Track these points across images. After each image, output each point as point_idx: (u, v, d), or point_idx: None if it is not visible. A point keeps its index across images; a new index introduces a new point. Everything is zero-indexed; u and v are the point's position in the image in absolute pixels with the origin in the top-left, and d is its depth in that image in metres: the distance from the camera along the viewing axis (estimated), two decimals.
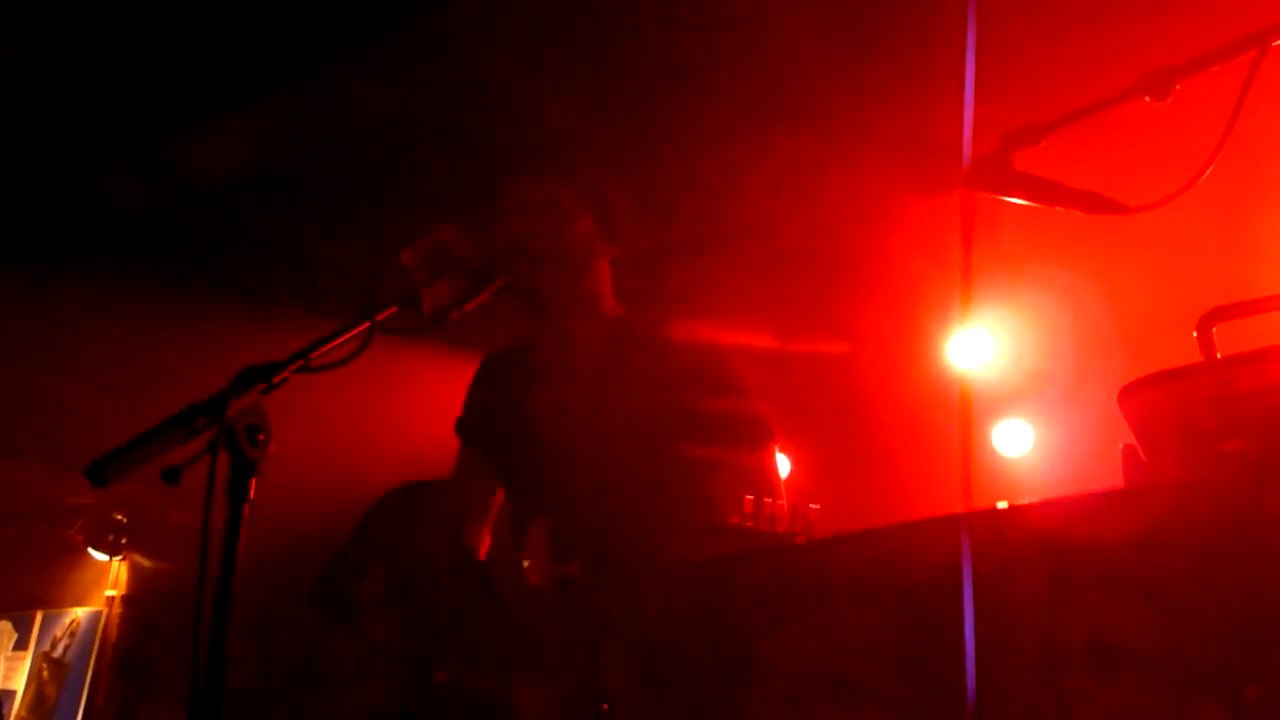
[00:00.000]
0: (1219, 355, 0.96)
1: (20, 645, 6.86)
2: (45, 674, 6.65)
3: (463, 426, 2.29)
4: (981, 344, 4.12)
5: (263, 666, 3.81)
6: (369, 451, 3.82)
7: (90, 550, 6.33)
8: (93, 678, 6.34)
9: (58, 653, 6.67)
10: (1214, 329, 0.97)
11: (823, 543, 1.29)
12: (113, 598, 6.61)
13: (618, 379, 1.99)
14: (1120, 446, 0.98)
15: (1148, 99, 1.21)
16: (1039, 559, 1.00)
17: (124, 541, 6.47)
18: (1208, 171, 1.14)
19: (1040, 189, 1.30)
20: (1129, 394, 0.97)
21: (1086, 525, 0.97)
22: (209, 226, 3.83)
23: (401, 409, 3.79)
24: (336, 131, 3.42)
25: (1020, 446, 4.67)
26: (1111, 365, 3.75)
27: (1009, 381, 4.13)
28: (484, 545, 2.44)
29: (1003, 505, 1.11)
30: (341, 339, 1.40)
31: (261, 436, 1.23)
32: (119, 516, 6.36)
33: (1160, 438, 0.95)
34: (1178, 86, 1.19)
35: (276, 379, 1.28)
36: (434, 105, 3.22)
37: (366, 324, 1.40)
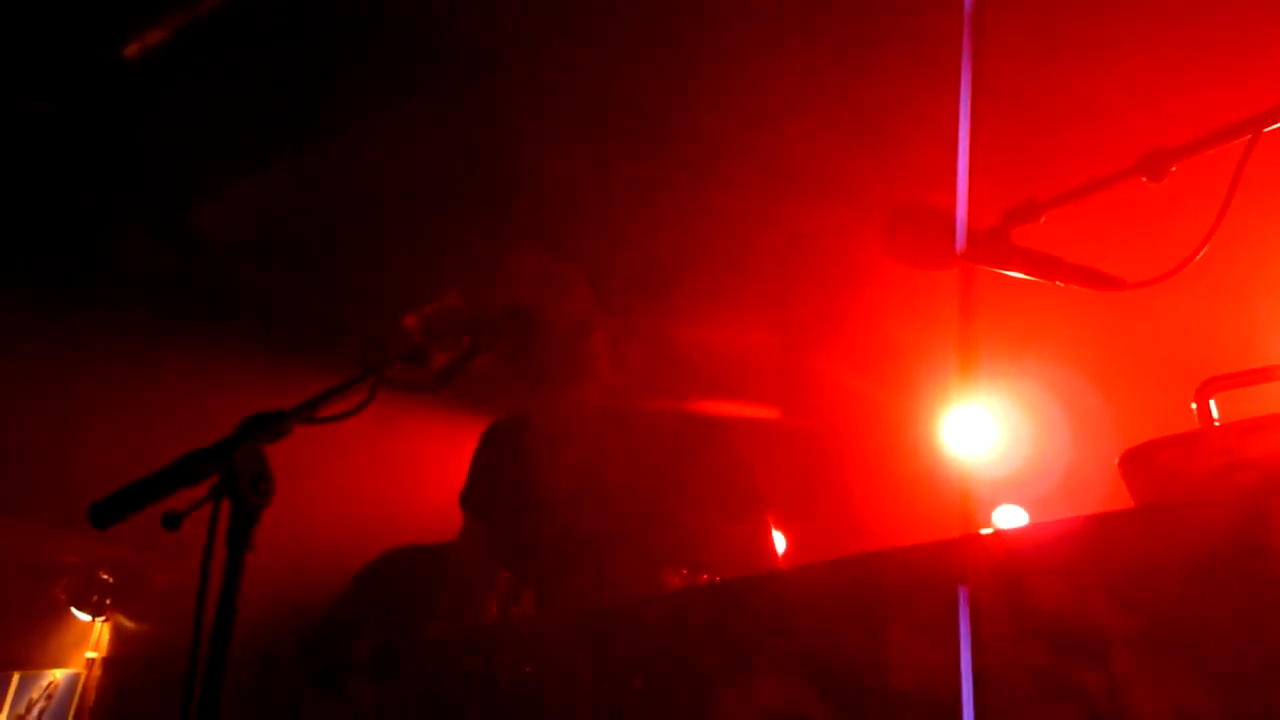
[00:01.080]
0: (1218, 424, 0.98)
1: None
2: None
3: (466, 498, 2.32)
4: (978, 426, 4.13)
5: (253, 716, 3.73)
6: (362, 513, 3.80)
7: (73, 610, 6.23)
8: None
9: (32, 717, 6.52)
10: (1211, 399, 0.98)
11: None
12: (93, 660, 6.49)
13: (612, 450, 2.02)
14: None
15: (1145, 180, 1.25)
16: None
17: (108, 602, 6.37)
18: (1203, 250, 1.17)
19: (1039, 264, 1.33)
20: (1131, 459, 0.98)
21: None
22: (214, 285, 3.86)
23: (396, 471, 3.79)
24: (343, 193, 3.48)
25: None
26: (1107, 454, 3.76)
27: (1006, 467, 4.13)
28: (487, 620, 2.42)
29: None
30: (346, 393, 1.41)
31: (264, 485, 1.23)
32: (105, 576, 6.28)
33: (1159, 500, 0.96)
34: (1173, 168, 1.22)
35: (281, 428, 1.28)
36: (441, 169, 3.29)
37: (371, 378, 1.41)
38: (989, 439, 4.18)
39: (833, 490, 4.51)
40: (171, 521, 1.17)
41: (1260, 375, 0.99)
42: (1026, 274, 1.34)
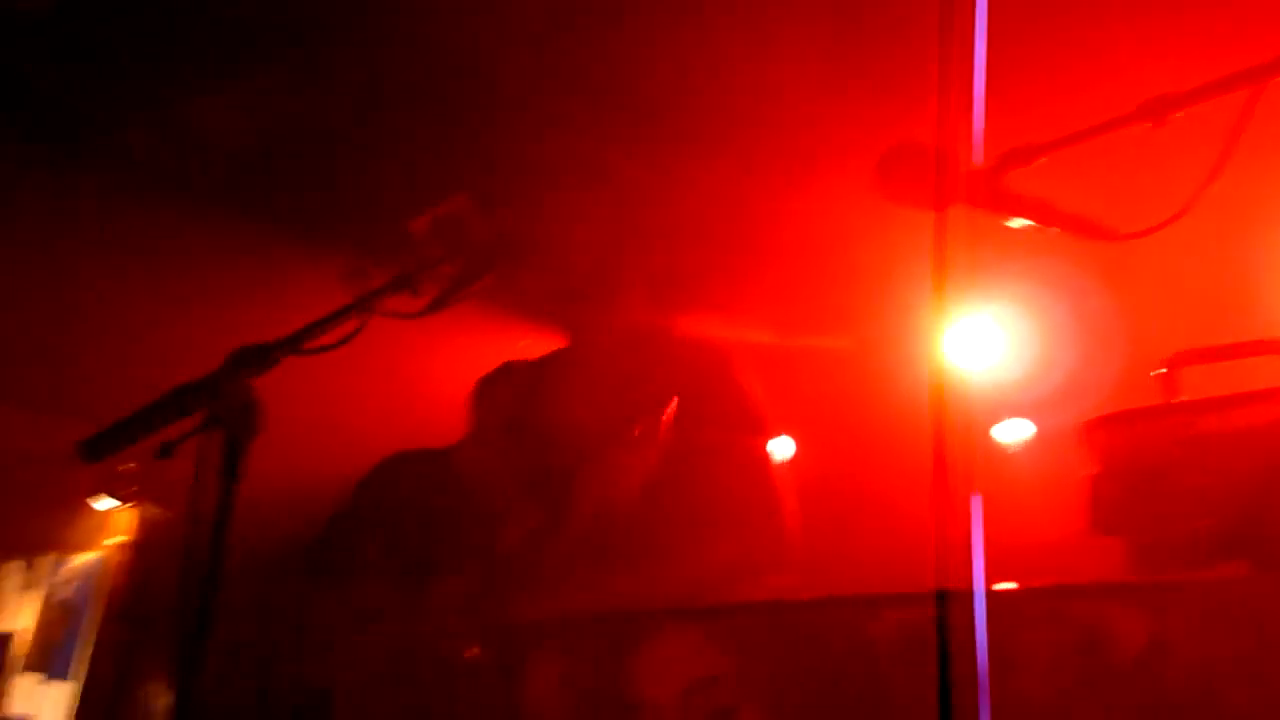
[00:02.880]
0: (1183, 398, 0.98)
1: (29, 586, 6.98)
2: (52, 615, 6.76)
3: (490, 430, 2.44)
4: (982, 339, 4.09)
5: (261, 624, 3.88)
6: (369, 418, 3.85)
7: (100, 498, 6.42)
8: (98, 622, 6.44)
9: (65, 595, 6.78)
10: (1180, 371, 0.98)
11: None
12: (120, 544, 6.71)
13: (629, 377, 2.11)
14: (1087, 477, 1.00)
15: (1147, 125, 1.21)
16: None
17: (134, 489, 6.55)
18: (1197, 202, 1.14)
19: (1033, 209, 1.31)
20: (1093, 430, 0.98)
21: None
22: (213, 183, 3.85)
23: (399, 375, 3.82)
24: (345, 95, 3.44)
25: (1021, 436, 4.67)
26: (1108, 359, 3.75)
27: (1010, 379, 4.12)
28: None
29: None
30: (336, 322, 1.42)
31: (252, 417, 1.25)
32: (130, 464, 6.44)
33: (1123, 473, 0.96)
34: (1176, 114, 1.19)
35: (268, 360, 1.30)
36: (442, 69, 3.23)
37: (359, 308, 1.42)
38: (993, 349, 4.15)
39: (835, 403, 4.53)
40: (165, 451, 1.20)
41: (1231, 351, 0.98)
42: (1020, 218, 1.32)
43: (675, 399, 2.02)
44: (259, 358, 1.28)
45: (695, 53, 2.85)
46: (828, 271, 3.85)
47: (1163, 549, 1.08)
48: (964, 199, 1.38)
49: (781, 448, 5.05)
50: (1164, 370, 0.99)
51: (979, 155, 1.36)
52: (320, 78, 3.34)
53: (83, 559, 6.71)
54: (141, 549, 6.46)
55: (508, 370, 2.40)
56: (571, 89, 3.09)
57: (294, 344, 1.34)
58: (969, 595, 1.09)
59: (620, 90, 3.04)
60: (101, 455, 1.17)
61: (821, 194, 3.16)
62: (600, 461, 2.08)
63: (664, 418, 1.99)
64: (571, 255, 2.12)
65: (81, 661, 6.27)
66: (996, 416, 4.58)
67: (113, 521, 6.57)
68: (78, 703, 6.15)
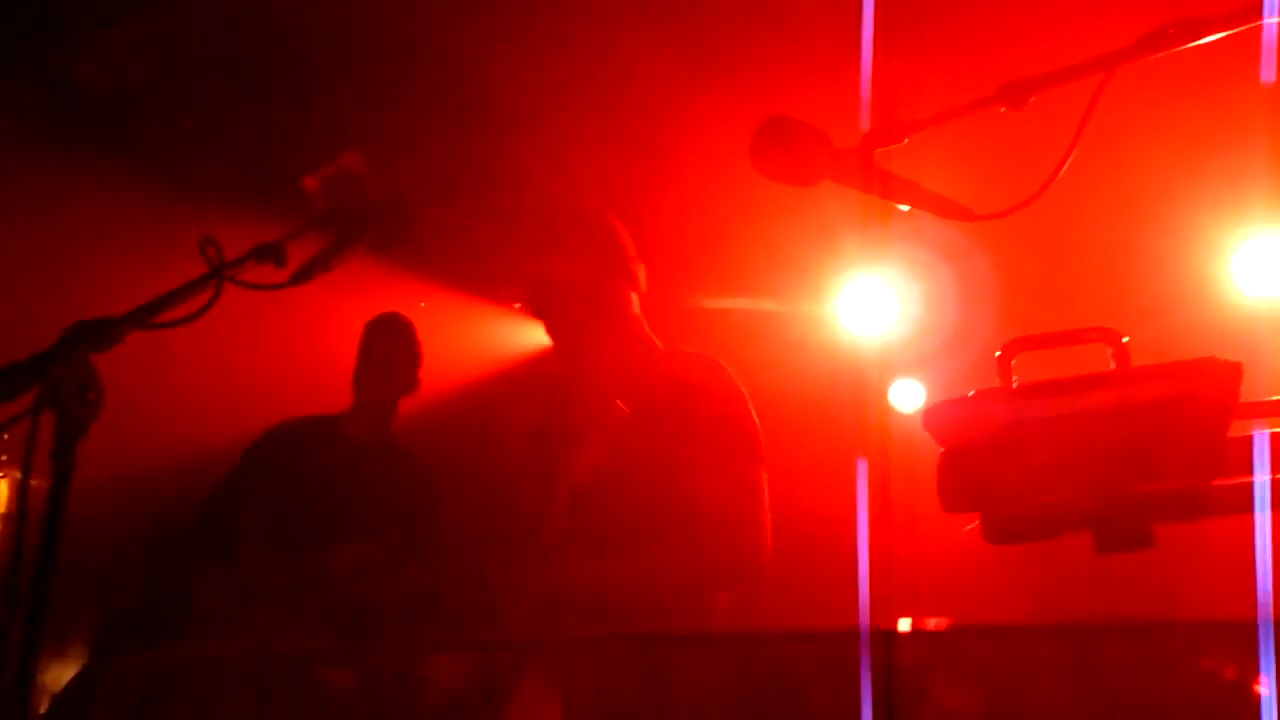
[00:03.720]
0: (1015, 383, 1.01)
1: None
2: None
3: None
4: (875, 299, 4.17)
5: (147, 594, 3.77)
6: (253, 386, 3.74)
7: None
8: None
9: None
10: (1013, 360, 1.01)
11: None
12: None
13: (627, 400, 2.22)
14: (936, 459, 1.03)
15: (1003, 109, 1.23)
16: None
17: (4, 458, 6.25)
18: (1050, 184, 1.17)
19: (897, 187, 1.32)
20: (933, 415, 1.01)
21: None
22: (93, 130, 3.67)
23: (288, 341, 3.72)
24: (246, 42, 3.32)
25: (913, 403, 4.80)
26: (994, 320, 3.88)
27: (901, 339, 4.21)
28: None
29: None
30: (190, 294, 1.35)
31: (91, 395, 1.19)
32: (3, 436, 6.13)
33: (965, 455, 0.99)
34: (1031, 98, 1.21)
35: (112, 335, 1.23)
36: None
37: (215, 279, 1.36)
38: (886, 312, 4.24)
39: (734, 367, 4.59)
40: None
41: (1060, 339, 1.01)
42: (884, 197, 1.33)
43: (629, 405, 2.18)
44: (101, 333, 1.21)
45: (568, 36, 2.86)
46: (723, 234, 3.88)
47: (1012, 522, 1.12)
48: (833, 176, 1.39)
49: None
50: (999, 354, 1.02)
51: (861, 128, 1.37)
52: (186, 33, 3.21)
53: None
54: (13, 519, 6.20)
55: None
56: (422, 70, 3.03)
57: (141, 318, 1.27)
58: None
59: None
60: None
61: (707, 162, 3.18)
62: (576, 448, 2.24)
63: (620, 418, 2.11)
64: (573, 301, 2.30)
65: None
66: (889, 378, 4.70)
67: None
68: None
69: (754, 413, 2.25)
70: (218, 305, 1.47)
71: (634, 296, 2.39)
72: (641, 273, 2.41)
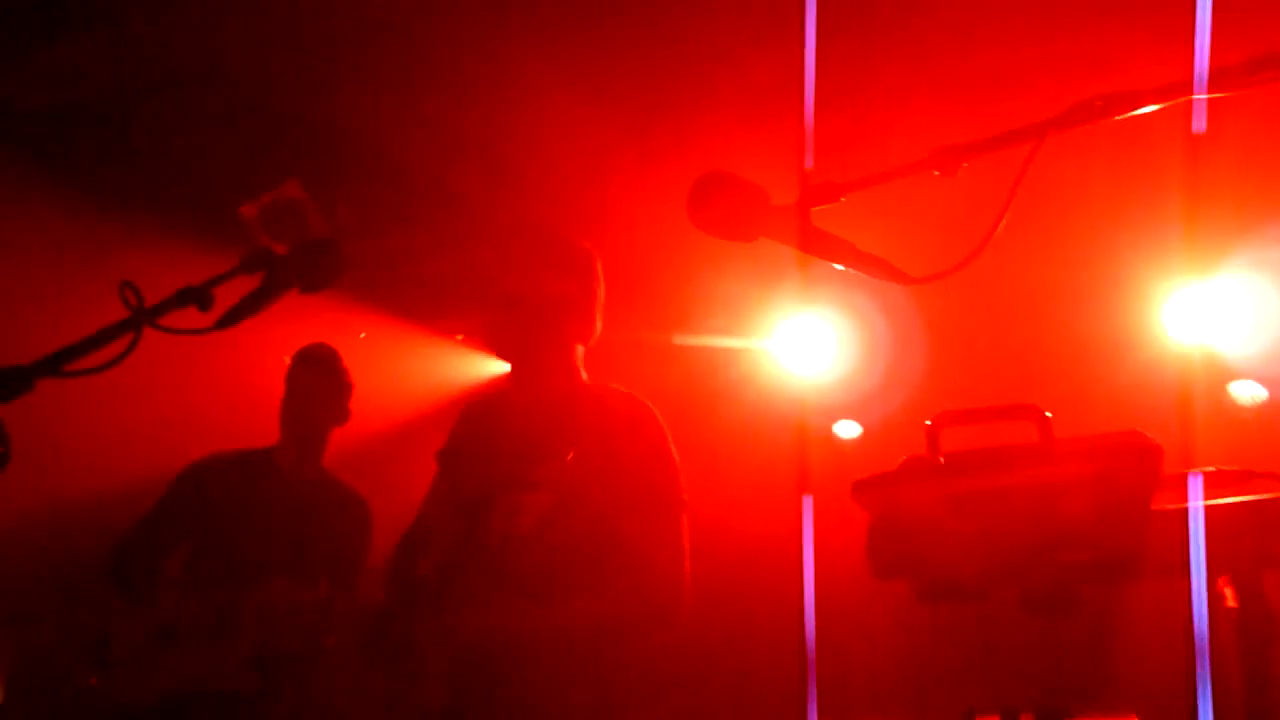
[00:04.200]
0: (942, 457, 1.01)
1: None
2: None
3: (442, 456, 2.46)
4: (814, 339, 4.20)
5: (61, 635, 3.63)
6: (183, 417, 3.64)
7: None
8: None
9: None
10: (940, 433, 1.02)
11: None
12: None
13: (564, 436, 2.17)
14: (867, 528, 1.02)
15: (936, 173, 1.25)
16: None
17: None
18: (982, 251, 1.18)
19: (832, 247, 1.33)
20: (863, 489, 1.01)
21: None
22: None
23: (214, 373, 3.63)
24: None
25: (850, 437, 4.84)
26: (936, 365, 3.94)
27: (840, 379, 4.25)
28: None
29: None
30: (105, 340, 1.30)
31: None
32: None
33: (892, 527, 0.99)
34: (963, 164, 1.22)
35: (19, 384, 1.18)
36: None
37: (134, 324, 1.31)
38: (826, 352, 4.28)
39: (675, 405, 4.59)
40: None
41: (984, 414, 1.02)
42: (819, 256, 1.33)
43: (573, 451, 2.13)
44: (8, 383, 1.16)
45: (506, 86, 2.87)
46: (665, 270, 3.89)
47: (937, 589, 1.12)
48: (770, 233, 1.39)
49: None
50: (929, 424, 1.02)
51: (796, 187, 1.38)
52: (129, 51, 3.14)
53: None
54: None
55: (476, 403, 2.51)
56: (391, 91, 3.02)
57: (53, 366, 1.22)
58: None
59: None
60: None
61: (650, 199, 3.20)
62: (506, 496, 2.18)
63: (566, 463, 2.09)
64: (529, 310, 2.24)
65: None
66: (831, 417, 4.74)
67: None
68: None
69: (675, 454, 2.23)
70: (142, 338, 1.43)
71: (584, 341, 2.37)
72: (599, 321, 2.39)
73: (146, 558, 3.10)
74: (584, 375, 2.35)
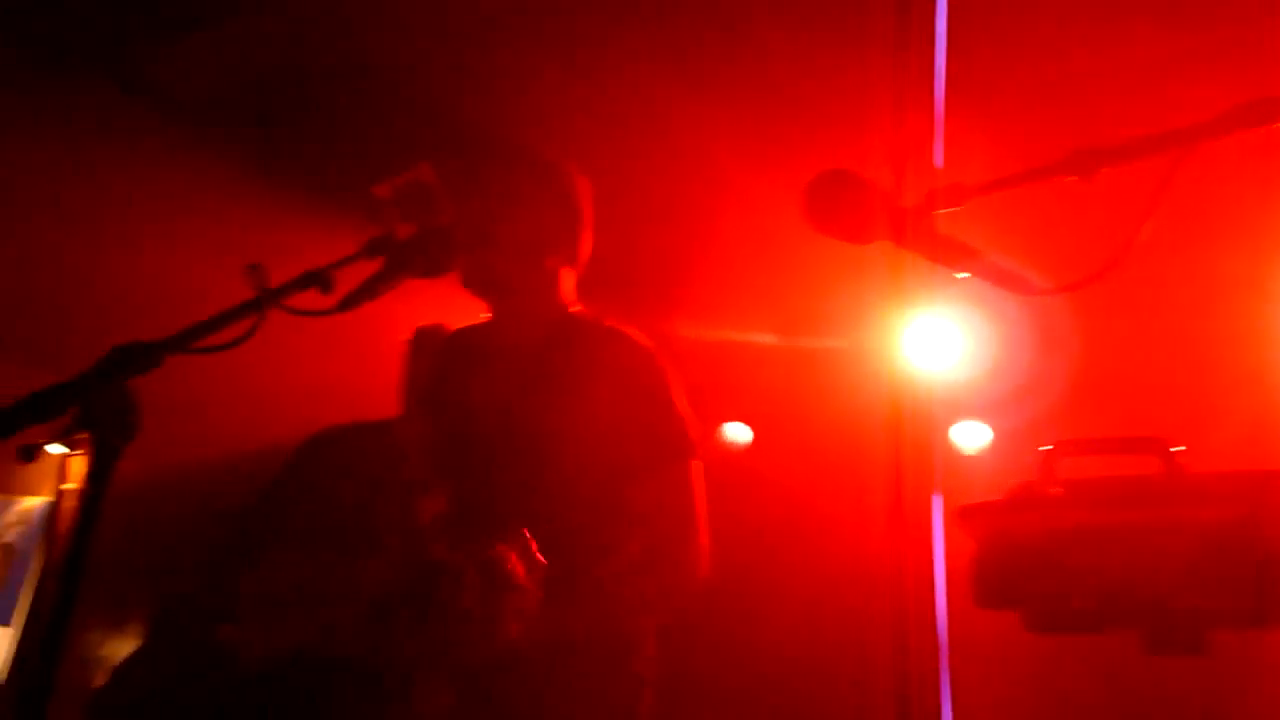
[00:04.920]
0: (1058, 487, 0.94)
1: None
2: None
3: (412, 393, 2.25)
4: (938, 338, 4.06)
5: (199, 588, 3.85)
6: (317, 391, 3.77)
7: (49, 443, 6.32)
8: (44, 567, 6.38)
9: (8, 538, 6.70)
10: (1057, 462, 0.94)
11: None
12: (67, 491, 6.62)
13: (553, 378, 1.97)
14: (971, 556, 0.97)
15: (1073, 178, 1.17)
16: None
17: (80, 436, 6.44)
18: (1122, 260, 1.10)
19: (958, 254, 1.26)
20: (972, 516, 0.95)
21: None
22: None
23: (354, 341, 3.75)
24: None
25: (978, 444, 4.66)
26: (1068, 362, 3.75)
27: (966, 379, 4.10)
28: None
29: None
30: (235, 319, 1.36)
31: (128, 421, 1.19)
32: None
33: (1001, 557, 0.93)
34: (1102, 169, 1.14)
35: (150, 360, 1.23)
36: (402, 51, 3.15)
37: (260, 305, 1.36)
38: (950, 349, 4.12)
39: (795, 400, 4.52)
40: (27, 454, 1.14)
41: (1110, 445, 0.94)
42: (943, 264, 1.27)
43: (558, 399, 1.93)
44: (140, 358, 1.22)
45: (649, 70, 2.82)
46: (786, 267, 3.82)
47: (1052, 618, 1.06)
48: (891, 237, 1.33)
49: (738, 435, 5.07)
50: (1045, 451, 0.95)
51: (917, 188, 1.32)
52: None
53: (31, 503, 6.63)
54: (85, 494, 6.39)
55: (424, 338, 2.22)
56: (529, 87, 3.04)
57: (182, 343, 1.27)
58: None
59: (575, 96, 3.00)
60: None
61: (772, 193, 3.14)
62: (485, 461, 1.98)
63: (549, 412, 1.89)
64: (502, 241, 1.99)
65: (23, 608, 6.21)
66: (954, 418, 4.58)
67: (66, 468, 6.49)
68: (16, 648, 6.10)
69: (680, 394, 1.97)
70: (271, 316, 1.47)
71: (570, 267, 2.09)
72: (586, 243, 2.09)
73: (270, 520, 3.24)
74: (573, 305, 2.08)
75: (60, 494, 6.46)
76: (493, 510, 1.96)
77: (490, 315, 2.10)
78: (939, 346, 4.11)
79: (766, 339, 4.00)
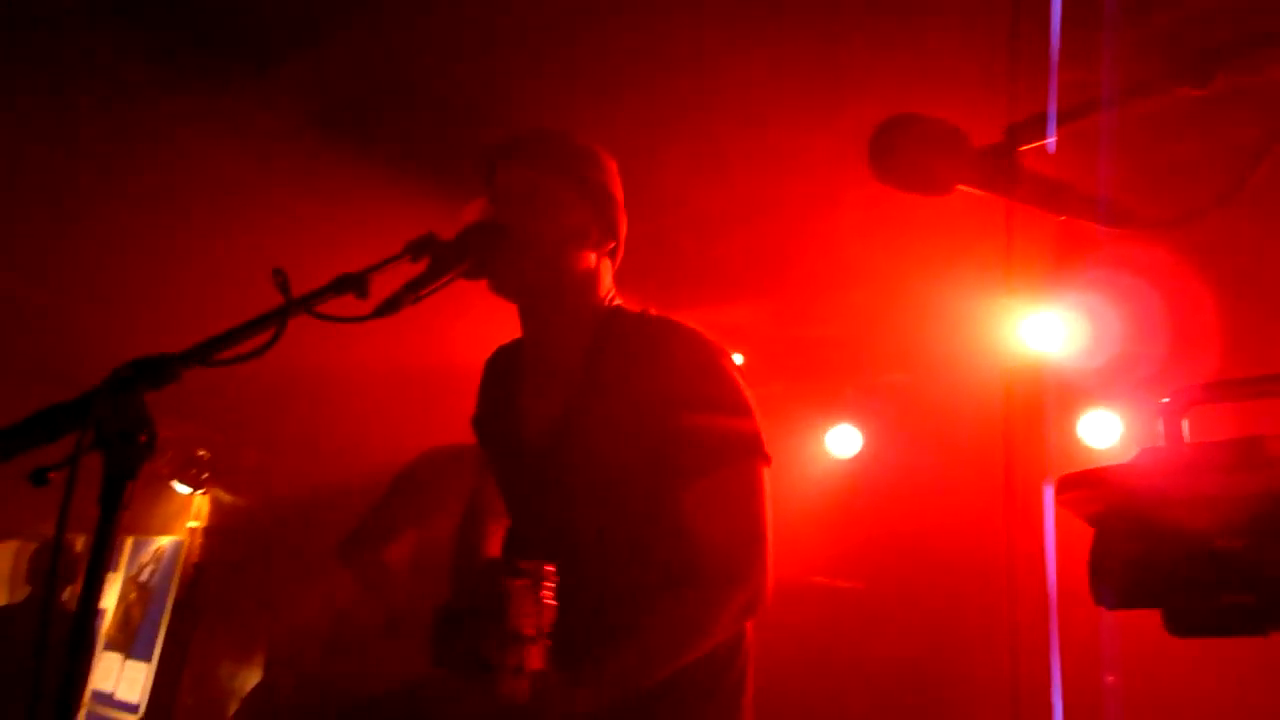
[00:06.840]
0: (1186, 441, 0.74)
1: (111, 568, 7.19)
2: (132, 596, 6.96)
3: (475, 423, 2.10)
4: (1060, 326, 3.79)
5: (312, 619, 3.86)
6: (426, 413, 3.74)
7: (175, 483, 6.54)
8: (174, 603, 6.61)
9: (144, 577, 6.97)
10: (1183, 417, 0.74)
11: None
12: (195, 529, 6.84)
13: (602, 381, 1.80)
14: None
15: (1187, 90, 0.97)
16: None
17: (205, 476, 6.66)
18: (1236, 193, 0.90)
19: (1047, 192, 1.08)
20: (1072, 488, 0.75)
21: None
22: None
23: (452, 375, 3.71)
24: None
25: (1107, 438, 4.33)
26: (1204, 349, 3.43)
27: (1093, 367, 3.80)
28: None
29: None
30: (261, 327, 1.28)
31: (142, 438, 1.11)
32: (202, 452, 6.55)
33: (1121, 536, 0.73)
34: (1221, 77, 0.94)
35: (167, 373, 1.16)
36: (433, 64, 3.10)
37: (290, 311, 1.27)
38: (1074, 335, 3.82)
39: (908, 393, 4.30)
40: (39, 477, 1.07)
41: (1250, 388, 0.73)
42: (1032, 204, 1.09)
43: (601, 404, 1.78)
44: (155, 371, 1.14)
45: (704, 44, 2.67)
46: (892, 260, 3.61)
47: (1197, 618, 0.85)
48: (970, 180, 1.16)
49: (848, 441, 4.85)
50: (1165, 402, 0.74)
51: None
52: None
53: (163, 542, 6.88)
54: (214, 533, 6.59)
55: (502, 357, 2.07)
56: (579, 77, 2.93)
57: (202, 354, 1.20)
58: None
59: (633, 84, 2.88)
60: None
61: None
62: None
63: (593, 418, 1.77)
64: (529, 240, 1.79)
65: (160, 643, 6.43)
66: (1076, 407, 4.27)
67: (191, 506, 6.72)
68: (154, 682, 6.31)
69: (747, 391, 1.77)
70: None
71: (609, 257, 1.91)
72: (621, 228, 1.90)
73: (373, 547, 3.20)
74: (612, 298, 1.90)
75: (189, 532, 6.70)
76: (548, 534, 1.83)
77: (527, 322, 1.93)
78: (1062, 336, 3.84)
79: (872, 333, 3.79)
